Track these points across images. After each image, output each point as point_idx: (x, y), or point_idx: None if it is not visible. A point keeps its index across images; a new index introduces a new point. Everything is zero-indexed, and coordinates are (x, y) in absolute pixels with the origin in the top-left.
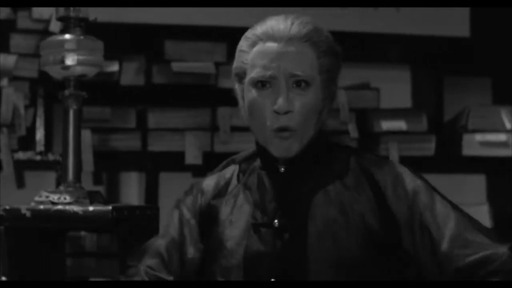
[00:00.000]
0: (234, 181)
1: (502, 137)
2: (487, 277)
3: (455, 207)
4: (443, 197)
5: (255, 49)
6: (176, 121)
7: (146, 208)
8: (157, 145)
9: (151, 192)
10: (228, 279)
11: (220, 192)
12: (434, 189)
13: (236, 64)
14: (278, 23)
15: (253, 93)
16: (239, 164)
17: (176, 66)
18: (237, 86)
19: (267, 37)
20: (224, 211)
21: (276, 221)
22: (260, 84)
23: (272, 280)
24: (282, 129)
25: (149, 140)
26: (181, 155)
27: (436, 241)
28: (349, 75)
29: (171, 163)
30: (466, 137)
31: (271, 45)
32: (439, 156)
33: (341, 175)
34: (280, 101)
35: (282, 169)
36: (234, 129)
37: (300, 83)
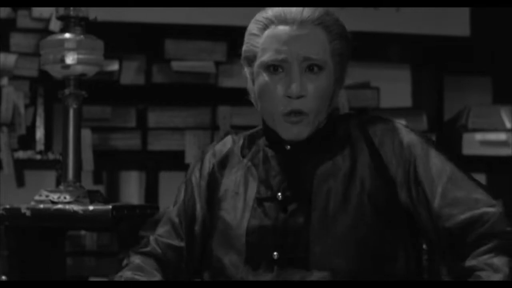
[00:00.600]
0: (237, 153)
1: (502, 136)
2: (478, 240)
3: (449, 159)
4: (439, 151)
5: (267, 32)
6: (176, 120)
7: (146, 207)
8: (157, 144)
9: (151, 191)
10: (228, 250)
11: (222, 162)
12: (430, 143)
13: (245, 47)
14: (289, 8)
15: (264, 77)
16: (243, 139)
17: (176, 65)
18: (246, 69)
19: (279, 21)
20: (229, 182)
21: (279, 194)
22: (272, 68)
23: (275, 253)
24: (294, 112)
25: (149, 139)
26: (181, 154)
27: (429, 197)
28: (349, 75)
29: (171, 162)
30: (466, 136)
31: (283, 28)
32: None
33: (343, 145)
34: (294, 85)
35: (288, 147)
36: (235, 128)
37: (312, 67)
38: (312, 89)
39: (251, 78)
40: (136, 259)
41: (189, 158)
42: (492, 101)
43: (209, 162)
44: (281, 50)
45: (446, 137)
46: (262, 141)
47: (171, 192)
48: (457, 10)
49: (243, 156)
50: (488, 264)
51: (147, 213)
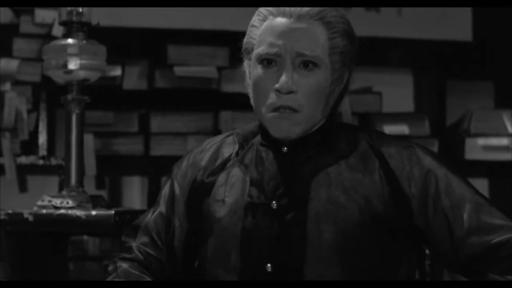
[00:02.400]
0: (232, 157)
1: (504, 141)
2: (501, 262)
3: (468, 184)
4: (458, 174)
5: (265, 24)
6: (179, 125)
7: None
8: (159, 149)
9: (154, 196)
10: (224, 261)
11: (215, 169)
12: (448, 167)
13: (245, 39)
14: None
15: (258, 70)
16: (238, 142)
17: (178, 71)
18: (245, 63)
19: (278, 12)
20: (219, 189)
21: (274, 202)
22: (266, 61)
23: (269, 265)
24: (283, 108)
25: (151, 144)
26: None
27: (451, 225)
28: (351, 79)
29: None
30: (469, 141)
31: (281, 20)
32: None
33: (347, 156)
34: (283, 79)
35: (285, 149)
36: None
37: (307, 64)
38: (304, 86)
39: (249, 71)
40: (123, 264)
41: None
42: (494, 106)
43: (192, 173)
44: (275, 43)
45: (448, 142)
46: (256, 140)
47: None
48: (459, 15)
49: (237, 155)
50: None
51: None
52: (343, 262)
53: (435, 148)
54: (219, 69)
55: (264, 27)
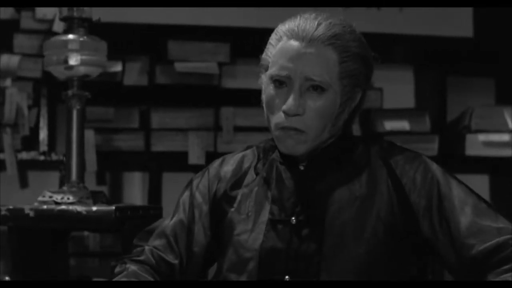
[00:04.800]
0: (251, 172)
1: (505, 137)
2: (500, 263)
3: (471, 192)
4: (460, 182)
5: (279, 45)
6: (179, 121)
7: (150, 208)
8: (160, 145)
9: (154, 192)
10: (242, 272)
11: (238, 182)
12: (451, 176)
13: (263, 55)
14: (305, 22)
15: (270, 89)
16: (258, 155)
17: (179, 66)
18: (262, 76)
19: (291, 35)
20: (241, 203)
21: (293, 218)
22: (278, 82)
23: (286, 277)
24: (289, 129)
25: (152, 140)
26: (184, 155)
27: (452, 228)
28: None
29: (174, 163)
30: (469, 138)
31: (293, 44)
32: (442, 157)
33: (360, 171)
34: (290, 102)
35: (302, 167)
36: (238, 129)
37: (316, 87)
38: (311, 108)
39: (264, 87)
40: (132, 266)
41: (193, 159)
42: (495, 102)
43: (212, 184)
44: (286, 66)
45: (449, 138)
46: (276, 156)
47: (175, 193)
48: (460, 11)
49: (257, 174)
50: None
51: (150, 214)
52: (357, 275)
53: (435, 144)
54: (220, 65)
55: (278, 48)
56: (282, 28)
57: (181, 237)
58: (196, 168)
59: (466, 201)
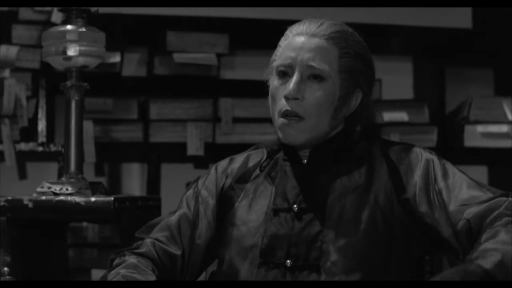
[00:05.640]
0: (257, 170)
1: (504, 128)
2: (492, 222)
3: (463, 173)
4: (453, 165)
5: (285, 43)
6: (178, 112)
7: (148, 199)
8: (159, 136)
9: (153, 183)
10: (245, 258)
11: (243, 176)
12: (444, 159)
13: (271, 58)
14: (310, 22)
15: (275, 81)
16: (267, 154)
17: (178, 57)
18: (270, 79)
19: (297, 32)
20: (245, 195)
21: (295, 206)
22: (282, 73)
23: (288, 261)
24: (290, 114)
25: (151, 131)
26: (183, 146)
27: (448, 203)
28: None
29: (173, 154)
30: (468, 129)
31: (298, 38)
32: (440, 148)
33: (361, 164)
34: (290, 87)
35: (305, 161)
36: (236, 120)
37: (316, 76)
38: (310, 96)
39: (270, 86)
40: (132, 259)
41: (191, 150)
42: (494, 93)
43: (220, 179)
44: (289, 56)
45: (448, 129)
46: (280, 155)
47: (173, 183)
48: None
49: (261, 170)
50: (497, 240)
51: (149, 205)
52: (357, 258)
53: (434, 135)
54: (219, 56)
55: (284, 45)
56: (289, 30)
57: (185, 230)
58: (195, 159)
59: (459, 178)
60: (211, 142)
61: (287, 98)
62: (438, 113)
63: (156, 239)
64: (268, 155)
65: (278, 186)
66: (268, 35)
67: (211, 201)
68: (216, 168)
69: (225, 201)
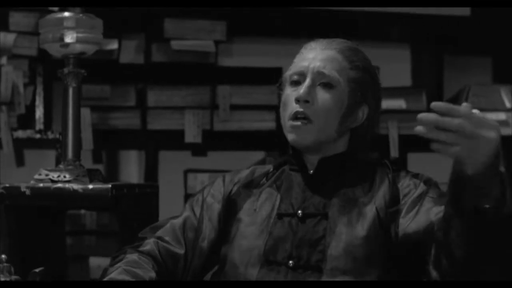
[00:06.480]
0: (263, 180)
1: (502, 116)
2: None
3: None
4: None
5: (299, 57)
6: (176, 99)
7: (146, 186)
8: (156, 123)
9: (151, 170)
10: (247, 259)
11: (250, 184)
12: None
13: (285, 73)
14: (323, 40)
15: (287, 90)
16: (273, 167)
17: (175, 44)
18: (283, 90)
19: (310, 48)
20: (251, 199)
21: (300, 211)
22: (294, 83)
23: (290, 262)
24: (300, 115)
25: (148, 119)
26: (180, 133)
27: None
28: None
29: (171, 141)
30: None
31: (310, 51)
32: None
33: (365, 177)
34: (301, 90)
35: (311, 171)
36: (234, 107)
37: (326, 84)
38: (320, 100)
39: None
40: (134, 256)
41: (189, 137)
42: (492, 81)
43: (227, 187)
44: (301, 65)
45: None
46: (286, 167)
47: (171, 171)
48: None
49: (267, 179)
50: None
51: (146, 192)
52: (357, 262)
53: None
54: (217, 43)
55: (297, 58)
56: (303, 47)
57: (189, 231)
58: (193, 147)
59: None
60: (209, 129)
61: (298, 100)
62: (436, 100)
63: (160, 238)
64: (275, 167)
65: (283, 193)
66: (266, 22)
67: (217, 206)
68: (223, 178)
69: (231, 205)
